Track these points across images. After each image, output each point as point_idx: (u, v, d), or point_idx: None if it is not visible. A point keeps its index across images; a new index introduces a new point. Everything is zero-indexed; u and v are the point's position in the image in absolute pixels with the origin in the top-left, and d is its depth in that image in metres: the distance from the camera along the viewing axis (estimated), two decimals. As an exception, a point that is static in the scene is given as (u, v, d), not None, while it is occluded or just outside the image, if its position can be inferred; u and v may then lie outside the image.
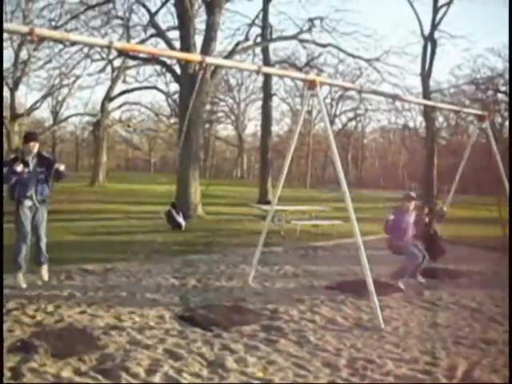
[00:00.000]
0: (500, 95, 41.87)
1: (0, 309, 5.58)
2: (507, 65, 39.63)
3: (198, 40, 18.58)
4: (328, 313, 6.39)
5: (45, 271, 7.39)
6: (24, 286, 7.02)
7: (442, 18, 28.38)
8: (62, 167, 7.15)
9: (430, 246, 9.01)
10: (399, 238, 8.12)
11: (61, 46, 26.13)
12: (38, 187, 7.09)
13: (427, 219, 9.41)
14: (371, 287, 6.02)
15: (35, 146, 7.13)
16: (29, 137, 7.27)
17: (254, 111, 63.44)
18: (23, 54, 36.57)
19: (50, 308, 6.05)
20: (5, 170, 6.83)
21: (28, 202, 7.06)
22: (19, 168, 6.84)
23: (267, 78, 25.82)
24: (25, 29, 5.14)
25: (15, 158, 7.07)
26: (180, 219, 8.81)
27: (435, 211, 10.22)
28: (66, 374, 4.28)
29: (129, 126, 50.13)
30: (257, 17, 26.36)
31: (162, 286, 7.52)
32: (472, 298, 7.37)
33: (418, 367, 4.70)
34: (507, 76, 38.85)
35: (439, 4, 28.29)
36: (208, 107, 45.43)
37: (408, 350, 5.13)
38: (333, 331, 5.66)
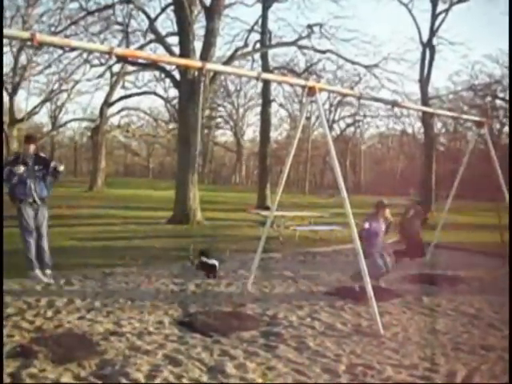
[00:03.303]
0: (498, 101, 41.99)
1: (0, 311, 5.57)
2: (505, 71, 39.80)
3: (198, 46, 18.67)
4: (327, 319, 6.39)
5: (49, 273, 7.67)
6: (46, 280, 7.52)
7: (440, 25, 28.48)
8: (60, 167, 7.67)
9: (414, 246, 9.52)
10: (371, 245, 8.13)
11: (60, 52, 26.23)
12: (36, 186, 7.50)
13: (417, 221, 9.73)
14: (370, 293, 6.02)
15: (33, 148, 7.67)
16: (27, 139, 7.93)
17: (253, 117, 63.51)
18: (22, 59, 36.65)
19: (50, 313, 6.05)
20: (6, 170, 7.26)
21: (29, 200, 7.47)
22: (20, 170, 7.30)
23: (266, 83, 25.86)
24: (26, 34, 5.16)
25: (15, 159, 7.52)
26: (213, 261, 8.81)
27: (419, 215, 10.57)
28: (66, 379, 4.28)
29: (127, 132, 50.18)
30: (256, 23, 26.49)
31: (162, 291, 7.52)
32: (471, 304, 7.37)
33: (418, 373, 4.70)
34: (505, 82, 38.97)
35: (438, 11, 28.39)
36: (207, 113, 45.45)
37: (407, 355, 5.13)
38: (332, 337, 5.66)
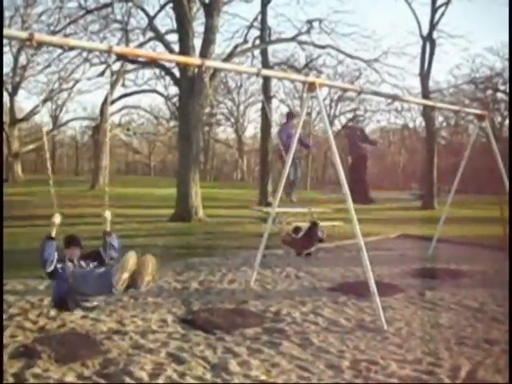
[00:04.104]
0: (499, 94, 41.90)
1: (0, 313, 5.58)
2: (506, 64, 39.67)
3: (197, 43, 18.63)
4: (330, 314, 6.39)
5: None
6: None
7: (440, 18, 28.38)
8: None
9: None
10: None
11: (60, 51, 26.18)
12: None
13: None
14: (373, 288, 6.01)
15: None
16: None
17: (254, 113, 63.42)
18: (22, 59, 36.67)
19: (53, 313, 6.05)
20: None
21: None
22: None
23: (266, 80, 25.80)
24: (24, 34, 5.15)
25: None
26: (320, 234, 8.82)
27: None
28: (70, 378, 4.29)
29: (128, 130, 50.15)
30: (255, 19, 26.38)
31: (164, 289, 7.52)
32: (474, 298, 7.36)
33: (422, 368, 4.69)
34: (506, 75, 38.87)
35: (437, 4, 28.30)
36: (207, 110, 45.43)
37: (411, 350, 5.13)
38: (336, 333, 5.65)
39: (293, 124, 10.71)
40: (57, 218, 5.38)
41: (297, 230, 9.56)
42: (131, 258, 5.08)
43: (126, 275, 4.96)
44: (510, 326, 5.92)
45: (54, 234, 5.33)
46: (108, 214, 5.75)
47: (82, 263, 5.49)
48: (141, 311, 6.29)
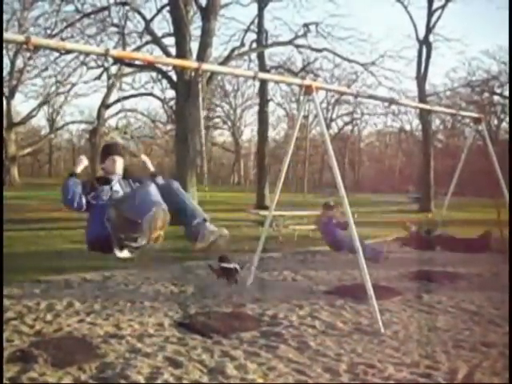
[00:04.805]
0: (495, 97, 42.04)
1: (0, 314, 5.56)
2: (502, 67, 39.88)
3: (194, 46, 18.66)
4: (328, 318, 6.38)
5: None
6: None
7: (436, 22, 28.51)
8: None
9: None
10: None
11: (56, 54, 26.15)
12: None
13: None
14: (370, 291, 6.01)
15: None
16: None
17: (251, 117, 63.56)
18: (19, 63, 36.67)
19: (49, 317, 6.03)
20: None
21: None
22: None
23: (263, 83, 25.86)
24: (21, 38, 5.14)
25: None
26: (232, 264, 8.78)
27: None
28: (66, 383, 4.27)
29: (125, 133, 50.13)
30: (252, 22, 26.45)
31: (161, 293, 7.51)
32: (471, 301, 7.35)
33: (419, 371, 4.68)
34: (502, 78, 39.03)
35: (433, 7, 28.40)
36: (204, 113, 45.44)
37: (408, 353, 5.12)
38: (333, 336, 5.65)
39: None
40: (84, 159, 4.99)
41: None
42: (159, 219, 4.55)
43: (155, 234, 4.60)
44: (510, 327, 5.93)
45: (79, 169, 4.91)
46: (145, 157, 5.61)
47: (122, 184, 5.02)
48: (137, 315, 6.27)
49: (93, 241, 5.01)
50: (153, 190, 4.70)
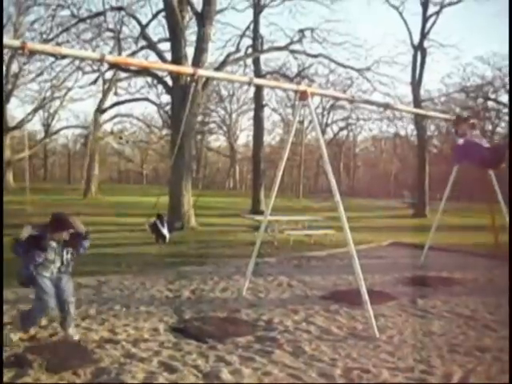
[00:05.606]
0: (490, 103, 42.17)
1: (0, 315, 5.55)
2: (496, 72, 40.06)
3: (190, 51, 18.66)
4: (323, 323, 6.39)
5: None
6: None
7: (431, 28, 28.62)
8: None
9: None
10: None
11: (52, 59, 26.18)
12: None
13: None
14: (365, 296, 6.02)
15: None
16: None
17: (246, 122, 63.54)
18: (14, 67, 36.64)
19: (44, 322, 6.02)
20: None
21: None
22: None
23: (259, 88, 25.88)
24: (17, 43, 5.15)
25: None
26: (164, 231, 8.90)
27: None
28: (61, 388, 4.27)
29: (121, 138, 50.13)
30: (248, 28, 26.50)
31: (156, 298, 7.50)
32: (466, 306, 7.38)
33: (414, 376, 4.70)
34: (496, 84, 39.21)
35: (428, 13, 28.53)
36: (200, 118, 45.43)
37: (403, 358, 5.14)
38: (328, 341, 5.66)
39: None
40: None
41: None
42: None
43: None
44: (511, 327, 5.96)
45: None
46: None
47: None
48: (133, 320, 6.27)
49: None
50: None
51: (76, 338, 5.51)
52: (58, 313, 5.53)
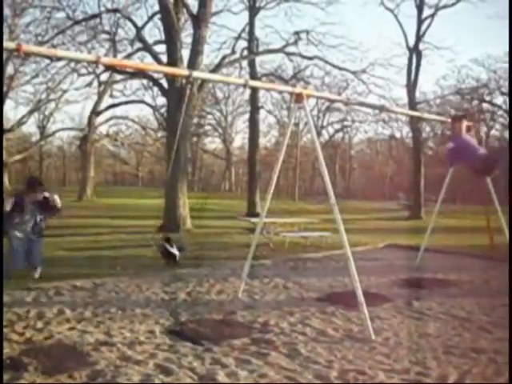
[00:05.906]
0: (485, 105, 42.31)
1: (0, 318, 5.55)
2: (491, 75, 40.21)
3: (185, 53, 18.66)
4: (319, 325, 6.39)
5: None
6: None
7: (426, 30, 28.69)
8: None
9: None
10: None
11: (47, 61, 26.15)
12: None
13: None
14: (361, 298, 6.03)
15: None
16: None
17: (242, 124, 63.61)
18: (9, 69, 36.52)
19: (40, 325, 6.01)
20: None
21: None
22: None
23: (254, 90, 25.91)
24: (12, 45, 5.14)
25: None
26: (174, 250, 9.00)
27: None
28: (57, 391, 4.25)
29: (116, 140, 50.02)
30: (243, 30, 26.55)
31: (152, 300, 7.49)
32: (461, 307, 7.39)
33: (409, 377, 4.70)
34: (491, 86, 39.33)
35: (423, 16, 28.61)
36: (195, 120, 45.43)
37: (399, 360, 5.14)
38: (324, 343, 5.66)
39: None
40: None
41: None
42: None
43: None
44: (511, 328, 5.98)
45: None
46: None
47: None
48: (128, 322, 6.26)
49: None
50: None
51: (36, 276, 8.23)
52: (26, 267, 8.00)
